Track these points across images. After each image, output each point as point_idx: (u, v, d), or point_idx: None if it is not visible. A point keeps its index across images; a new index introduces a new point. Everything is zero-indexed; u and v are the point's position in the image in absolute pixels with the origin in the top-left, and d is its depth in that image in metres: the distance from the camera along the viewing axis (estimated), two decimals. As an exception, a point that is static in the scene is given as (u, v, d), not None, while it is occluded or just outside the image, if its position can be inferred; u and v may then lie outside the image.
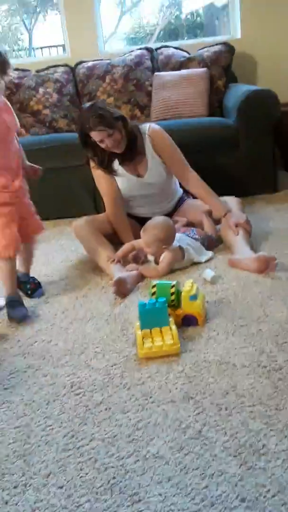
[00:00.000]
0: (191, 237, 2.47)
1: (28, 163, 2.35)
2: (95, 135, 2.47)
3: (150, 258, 2.42)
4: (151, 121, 2.98)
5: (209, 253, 2.48)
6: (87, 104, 2.55)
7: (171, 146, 2.63)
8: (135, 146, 2.59)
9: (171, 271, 2.35)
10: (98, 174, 2.68)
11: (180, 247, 2.37)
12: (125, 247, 2.46)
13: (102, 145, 2.50)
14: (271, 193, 3.37)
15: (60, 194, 3.39)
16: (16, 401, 1.59)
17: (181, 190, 2.83)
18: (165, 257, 2.33)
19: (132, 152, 2.59)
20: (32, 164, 2.37)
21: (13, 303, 2.13)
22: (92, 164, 2.66)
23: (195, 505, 1.15)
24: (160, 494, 1.19)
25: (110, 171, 2.63)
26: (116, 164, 2.64)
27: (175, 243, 2.37)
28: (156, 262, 2.39)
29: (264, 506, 1.13)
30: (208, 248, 2.51)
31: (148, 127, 2.65)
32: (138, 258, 2.43)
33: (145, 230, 2.36)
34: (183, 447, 1.33)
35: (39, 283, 2.36)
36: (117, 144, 2.49)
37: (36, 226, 2.35)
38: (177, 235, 2.41)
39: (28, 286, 2.32)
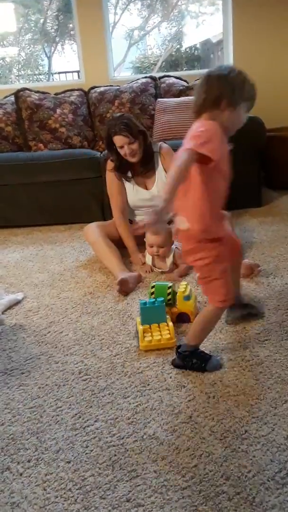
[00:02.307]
0: None
1: None
2: (117, 140, 2.46)
3: (148, 258, 2.41)
4: (153, 141, 2.97)
5: None
6: (118, 114, 2.55)
7: None
8: (150, 161, 2.58)
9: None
10: (111, 180, 2.65)
11: (177, 247, 2.37)
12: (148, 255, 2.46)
13: (121, 151, 2.49)
14: (256, 208, 3.37)
15: (73, 202, 3.37)
16: (31, 384, 1.59)
17: (178, 203, 2.82)
18: (178, 259, 2.34)
19: (145, 166, 2.58)
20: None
21: None
22: (109, 166, 2.64)
23: (185, 482, 1.15)
24: (155, 471, 1.19)
25: (123, 175, 2.61)
26: (129, 174, 2.63)
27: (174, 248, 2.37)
28: (154, 265, 2.39)
29: (245, 484, 1.12)
30: None
31: (159, 146, 2.65)
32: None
33: (147, 237, 2.36)
34: (175, 430, 1.32)
35: None
36: (134, 153, 2.49)
37: None
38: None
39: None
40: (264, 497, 1.09)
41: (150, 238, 2.34)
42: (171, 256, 2.35)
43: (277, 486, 1.11)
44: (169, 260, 2.36)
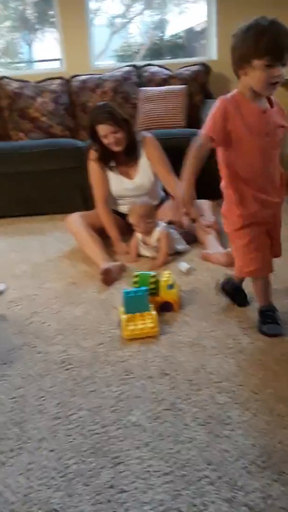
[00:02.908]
0: (173, 229, 2.49)
1: None
2: (101, 129, 2.45)
3: (139, 236, 2.42)
4: (136, 130, 2.95)
5: (186, 246, 2.49)
6: (101, 102, 2.53)
7: (160, 153, 2.62)
8: (133, 150, 2.57)
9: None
10: (94, 170, 2.64)
11: (165, 225, 2.39)
12: (132, 244, 2.46)
13: (105, 141, 2.48)
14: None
15: (55, 192, 3.35)
16: (14, 374, 1.58)
17: (163, 192, 2.82)
18: (161, 238, 2.35)
19: (129, 155, 2.57)
20: None
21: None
22: (92, 156, 2.63)
23: (168, 467, 1.16)
24: (138, 458, 1.20)
25: (106, 165, 2.60)
26: (112, 163, 2.62)
27: (161, 225, 2.38)
28: (144, 242, 2.40)
29: (227, 469, 1.14)
30: (185, 242, 2.52)
31: (143, 135, 2.64)
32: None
33: (130, 214, 2.39)
34: (158, 416, 1.33)
35: None
36: (118, 142, 2.48)
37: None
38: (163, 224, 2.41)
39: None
40: (246, 480, 1.11)
41: (134, 212, 2.36)
42: (157, 231, 2.35)
43: (258, 469, 1.14)
44: (154, 235, 2.36)
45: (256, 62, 1.39)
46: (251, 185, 1.57)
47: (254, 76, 1.42)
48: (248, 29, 1.40)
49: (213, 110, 1.51)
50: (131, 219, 2.38)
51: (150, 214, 2.35)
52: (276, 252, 1.72)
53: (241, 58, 1.42)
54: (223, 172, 1.63)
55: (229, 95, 1.52)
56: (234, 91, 1.52)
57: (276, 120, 1.54)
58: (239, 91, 1.51)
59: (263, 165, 1.56)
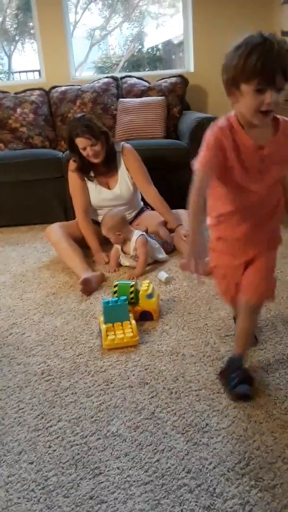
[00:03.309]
0: (152, 239, 2.51)
1: None
2: (79, 142, 2.46)
3: (118, 246, 2.43)
4: (116, 141, 2.98)
5: (165, 255, 2.51)
6: (79, 114, 2.54)
7: (139, 163, 2.64)
8: (112, 161, 2.59)
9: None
10: (74, 180, 2.64)
11: (142, 234, 2.40)
12: (112, 254, 2.46)
13: (84, 153, 2.49)
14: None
15: (34, 203, 3.33)
16: (-8, 387, 1.57)
17: (142, 203, 2.84)
18: (137, 247, 2.35)
19: (108, 166, 2.58)
20: None
21: None
22: (71, 167, 2.63)
23: (148, 477, 1.17)
24: (118, 468, 1.20)
25: (85, 175, 2.61)
26: (91, 174, 2.63)
27: (137, 233, 2.39)
28: (123, 251, 2.41)
29: (206, 476, 1.15)
30: (165, 252, 2.54)
31: (122, 145, 2.66)
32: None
33: (101, 226, 2.41)
34: (138, 426, 1.34)
35: None
36: (97, 154, 2.49)
37: None
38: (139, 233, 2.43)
39: None
40: (224, 487, 1.12)
41: (104, 224, 2.37)
42: (134, 240, 2.36)
43: (237, 476, 1.15)
44: (131, 244, 2.37)
45: (244, 87, 1.15)
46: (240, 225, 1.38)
47: (244, 103, 1.18)
48: (238, 47, 1.18)
49: (205, 141, 1.28)
50: (102, 231, 2.41)
51: (118, 226, 2.36)
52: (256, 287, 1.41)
53: (228, 82, 1.19)
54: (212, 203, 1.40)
55: (224, 120, 1.27)
56: (230, 113, 1.28)
57: (276, 157, 1.27)
58: (236, 113, 1.26)
59: (258, 204, 1.35)
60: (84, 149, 2.47)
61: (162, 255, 2.49)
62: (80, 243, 2.55)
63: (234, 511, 1.06)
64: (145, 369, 1.59)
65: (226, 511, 1.06)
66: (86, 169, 2.60)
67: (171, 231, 2.62)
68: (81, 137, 2.44)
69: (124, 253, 2.42)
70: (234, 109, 1.26)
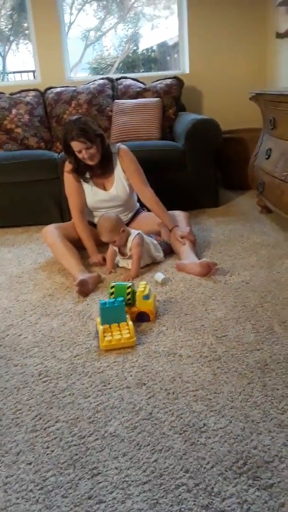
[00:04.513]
0: (151, 238, 2.51)
1: None
2: (74, 145, 2.46)
3: (115, 248, 2.43)
4: (111, 142, 2.99)
5: (162, 254, 2.52)
6: (74, 117, 2.53)
7: (135, 165, 2.65)
8: (108, 163, 2.60)
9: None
10: (69, 181, 2.65)
11: (139, 233, 2.39)
12: (108, 255, 2.46)
13: (79, 155, 2.49)
14: (213, 207, 3.45)
15: (30, 204, 3.34)
16: (-10, 388, 1.57)
17: (138, 204, 2.85)
18: (132, 247, 2.35)
19: (104, 167, 2.59)
20: None
21: None
22: (67, 168, 2.64)
23: (146, 477, 1.18)
24: (116, 468, 1.21)
25: (81, 177, 2.61)
26: (87, 175, 2.63)
27: (134, 233, 2.39)
28: (121, 253, 2.42)
29: (204, 476, 1.16)
30: (164, 253, 2.54)
31: (118, 147, 2.67)
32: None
33: (100, 234, 2.39)
34: (136, 426, 1.35)
35: None
36: (92, 157, 2.49)
37: None
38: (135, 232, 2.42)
39: None
40: (222, 486, 1.13)
41: (103, 230, 2.36)
42: (131, 240, 2.36)
43: (234, 475, 1.16)
44: (128, 244, 2.37)
45: None
46: None
47: None
48: None
49: None
50: (104, 239, 2.39)
51: (118, 225, 2.36)
52: None
53: None
54: None
55: None
56: None
57: None
58: None
59: None
60: (80, 152, 2.48)
61: (159, 253, 2.50)
62: (76, 244, 2.55)
63: (232, 510, 1.07)
64: (142, 370, 1.60)
65: (224, 510, 1.07)
66: (81, 170, 2.60)
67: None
68: (76, 140, 2.44)
69: (122, 254, 2.42)
70: None
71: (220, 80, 4.23)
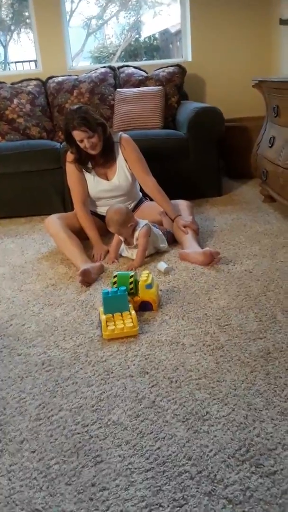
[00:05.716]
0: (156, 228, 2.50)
1: None
2: (76, 134, 2.45)
3: (122, 238, 2.41)
4: (113, 131, 2.97)
5: (166, 244, 2.51)
6: (75, 106, 2.51)
7: (137, 154, 2.63)
8: (110, 152, 2.58)
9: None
10: (71, 171, 2.63)
11: (146, 224, 2.38)
12: (113, 245, 2.45)
13: (81, 145, 2.48)
14: (216, 197, 3.43)
15: (33, 194, 3.33)
16: (-7, 377, 1.58)
17: (140, 193, 2.84)
18: (139, 237, 2.34)
19: (106, 157, 2.58)
20: None
21: None
22: (69, 158, 2.62)
23: (149, 464, 1.18)
24: (119, 456, 1.21)
25: (83, 167, 2.60)
26: (89, 165, 2.62)
27: (142, 223, 2.38)
28: (127, 242, 2.40)
29: (207, 463, 1.17)
30: (168, 242, 2.53)
31: (120, 136, 2.65)
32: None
33: (108, 225, 2.37)
34: (139, 414, 1.35)
35: None
36: (94, 146, 2.48)
37: None
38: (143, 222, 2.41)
39: None
40: (225, 474, 1.13)
41: (112, 223, 2.34)
42: (137, 231, 2.35)
43: (237, 463, 1.16)
44: (135, 234, 2.36)
45: None
46: None
47: None
48: None
49: None
50: (113, 230, 2.36)
51: (128, 218, 2.34)
52: None
53: None
54: None
55: None
56: None
57: None
58: None
59: None
60: (81, 141, 2.47)
61: (163, 244, 2.49)
62: (79, 234, 2.55)
63: (235, 497, 1.07)
64: (145, 359, 1.60)
65: (227, 497, 1.07)
66: (84, 160, 2.59)
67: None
68: (77, 129, 2.43)
69: (128, 244, 2.41)
70: None
71: (223, 67, 4.19)
